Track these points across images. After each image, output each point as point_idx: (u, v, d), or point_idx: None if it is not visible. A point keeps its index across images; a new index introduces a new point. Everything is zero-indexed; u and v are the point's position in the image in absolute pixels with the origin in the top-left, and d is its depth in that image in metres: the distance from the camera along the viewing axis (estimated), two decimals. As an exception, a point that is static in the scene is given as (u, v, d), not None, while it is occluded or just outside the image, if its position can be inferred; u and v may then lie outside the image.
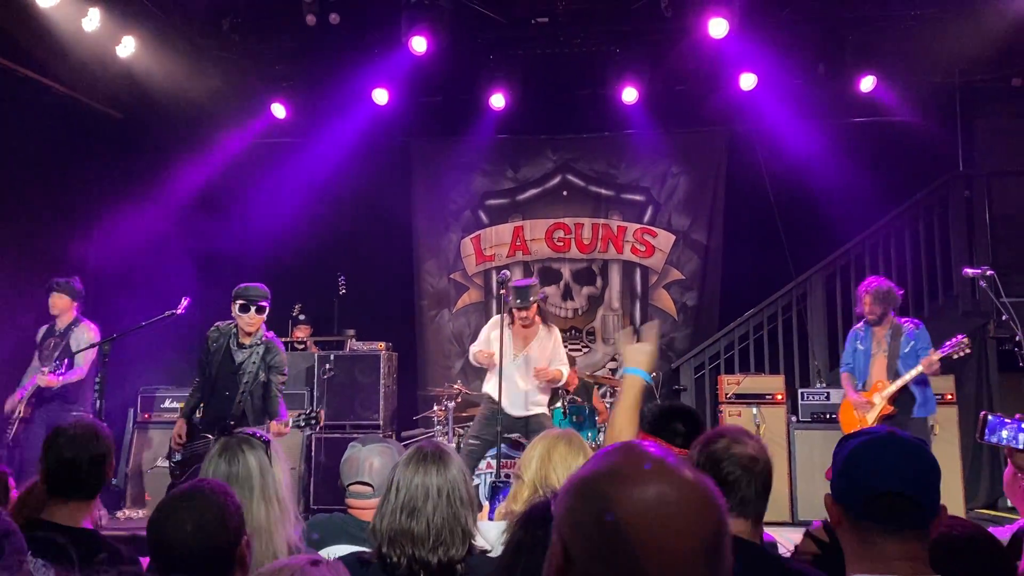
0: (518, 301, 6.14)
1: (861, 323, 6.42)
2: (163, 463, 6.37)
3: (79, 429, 2.70)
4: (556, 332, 6.54)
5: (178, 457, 5.49)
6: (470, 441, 6.32)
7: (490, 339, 6.37)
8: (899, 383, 5.93)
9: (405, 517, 2.15)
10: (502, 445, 6.05)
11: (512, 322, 6.27)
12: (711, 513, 1.01)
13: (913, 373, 5.88)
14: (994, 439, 2.40)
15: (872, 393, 6.12)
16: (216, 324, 5.68)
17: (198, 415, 5.64)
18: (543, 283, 9.48)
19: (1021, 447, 2.36)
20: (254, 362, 5.52)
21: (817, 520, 2.55)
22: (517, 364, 6.32)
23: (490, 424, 6.11)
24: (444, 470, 2.20)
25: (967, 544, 2.04)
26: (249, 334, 5.54)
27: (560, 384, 6.56)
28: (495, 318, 6.58)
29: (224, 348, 5.56)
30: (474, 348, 6.53)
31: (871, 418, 6.05)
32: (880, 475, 1.68)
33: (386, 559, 2.16)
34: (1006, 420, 2.40)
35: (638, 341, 2.66)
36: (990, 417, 2.43)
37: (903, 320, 6.26)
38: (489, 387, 6.39)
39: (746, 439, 2.20)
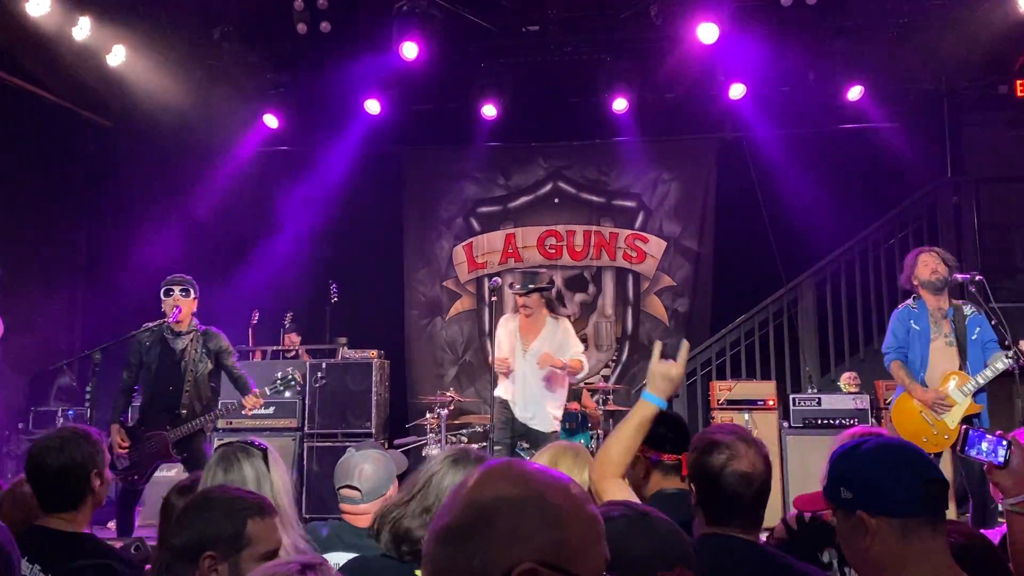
0: (518, 287, 5.97)
1: (911, 299, 5.36)
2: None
3: (56, 440, 2.65)
4: (566, 322, 6.21)
5: (125, 463, 5.41)
6: (496, 448, 6.04)
7: (501, 341, 6.18)
8: (989, 375, 4.94)
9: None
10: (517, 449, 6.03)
11: (516, 310, 6.06)
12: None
13: (1000, 363, 4.87)
14: (973, 452, 2.43)
15: (944, 389, 5.07)
16: (145, 324, 5.61)
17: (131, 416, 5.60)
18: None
19: (1000, 462, 2.38)
20: (196, 350, 5.50)
21: (793, 511, 2.59)
22: (527, 360, 5.99)
23: (506, 428, 6.00)
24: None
25: (969, 548, 2.07)
26: (178, 321, 5.49)
27: (580, 376, 6.27)
28: (503, 317, 6.42)
29: (159, 341, 5.52)
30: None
31: (952, 420, 4.96)
32: (919, 466, 1.73)
33: (404, 554, 2.15)
34: (986, 435, 2.42)
35: (669, 358, 2.48)
36: (970, 431, 2.46)
37: (960, 300, 5.26)
38: (500, 390, 6.16)
39: (742, 450, 2.17)
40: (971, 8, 7.24)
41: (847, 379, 7.73)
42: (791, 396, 7.33)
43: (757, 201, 8.57)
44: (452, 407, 7.59)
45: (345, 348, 8.14)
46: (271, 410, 7.57)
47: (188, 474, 5.58)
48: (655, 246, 9.45)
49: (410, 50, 7.35)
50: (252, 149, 9.18)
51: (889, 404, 6.65)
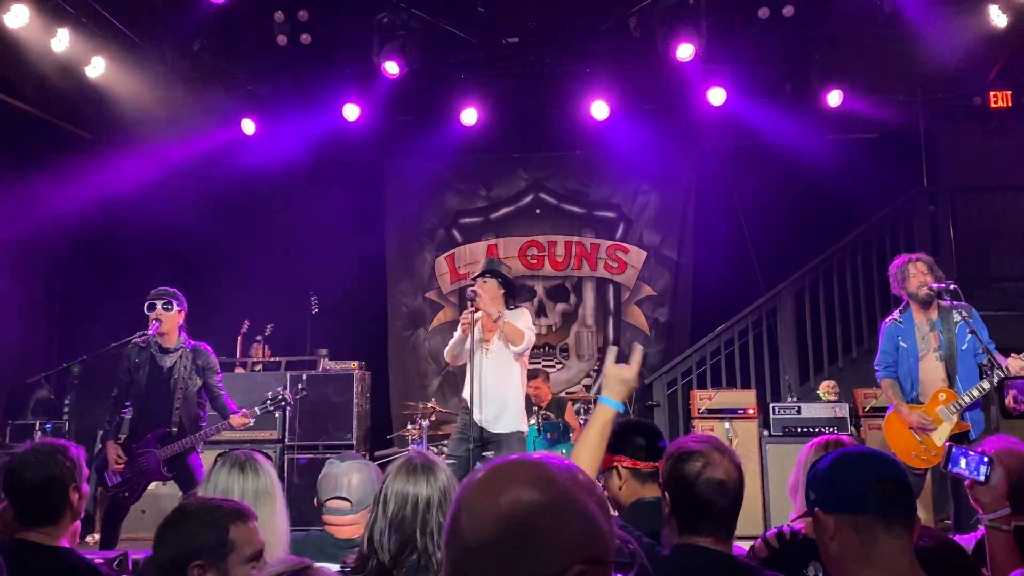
0: (478, 273, 5.57)
1: (896, 312, 5.20)
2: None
3: (34, 455, 2.63)
4: (525, 311, 5.71)
5: (117, 479, 5.36)
6: (448, 462, 5.75)
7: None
8: (975, 393, 4.80)
9: (395, 527, 2.16)
10: (477, 464, 5.85)
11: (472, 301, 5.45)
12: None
13: (987, 382, 4.74)
14: (955, 470, 2.48)
15: (933, 406, 4.93)
16: (132, 340, 5.51)
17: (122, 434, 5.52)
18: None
19: (982, 479, 2.43)
20: (185, 367, 5.43)
21: (774, 528, 2.62)
22: (488, 355, 5.49)
23: (463, 441, 5.57)
24: (433, 480, 2.23)
25: (938, 551, 2.10)
26: (161, 335, 5.40)
27: (521, 348, 5.48)
28: (466, 311, 5.68)
29: (148, 358, 5.45)
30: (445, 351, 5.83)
31: (939, 438, 4.83)
32: (874, 466, 1.81)
33: (371, 567, 2.16)
34: (969, 452, 2.47)
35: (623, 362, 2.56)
36: (953, 448, 2.51)
37: (949, 302, 4.96)
38: (464, 392, 5.68)
39: (717, 459, 2.20)
40: (946, 20, 7.34)
41: (826, 387, 7.77)
42: (771, 405, 7.38)
43: (736, 211, 8.64)
44: (434, 417, 7.58)
45: (326, 359, 8.11)
46: (251, 421, 7.50)
47: (181, 491, 5.49)
48: (635, 256, 9.50)
49: (392, 68, 7.37)
50: (232, 160, 9.14)
51: (868, 412, 6.77)
